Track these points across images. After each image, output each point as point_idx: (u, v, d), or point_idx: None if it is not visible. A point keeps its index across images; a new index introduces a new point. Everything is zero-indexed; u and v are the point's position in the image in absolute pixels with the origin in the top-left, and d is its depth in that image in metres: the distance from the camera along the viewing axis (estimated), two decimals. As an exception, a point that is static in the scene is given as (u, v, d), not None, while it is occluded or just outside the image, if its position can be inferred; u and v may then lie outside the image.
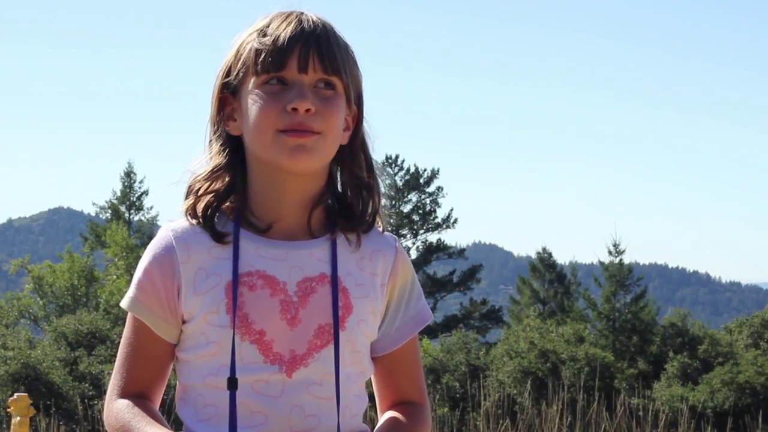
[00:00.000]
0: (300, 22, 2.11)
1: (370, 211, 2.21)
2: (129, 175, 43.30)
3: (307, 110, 2.07)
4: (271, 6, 2.18)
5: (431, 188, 43.22)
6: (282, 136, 2.08)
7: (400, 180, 43.08)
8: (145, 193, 43.37)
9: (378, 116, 2.25)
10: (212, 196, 2.15)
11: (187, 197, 2.17)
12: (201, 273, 2.11)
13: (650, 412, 11.58)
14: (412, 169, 43.22)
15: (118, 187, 43.59)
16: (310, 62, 2.09)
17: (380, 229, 2.24)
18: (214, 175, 2.16)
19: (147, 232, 41.59)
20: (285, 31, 2.10)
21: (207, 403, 2.12)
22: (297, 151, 2.08)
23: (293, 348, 2.10)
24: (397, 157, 43.10)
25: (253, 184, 2.15)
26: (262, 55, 2.09)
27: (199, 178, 2.17)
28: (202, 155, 2.20)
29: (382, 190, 2.25)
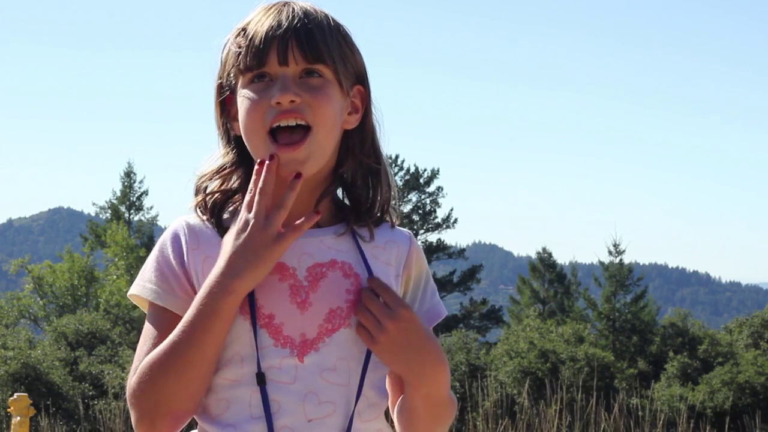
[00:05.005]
0: (279, 14, 2.10)
1: (378, 202, 2.18)
2: (129, 175, 43.27)
3: (292, 101, 2.05)
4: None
5: (431, 188, 43.22)
6: (272, 146, 2.06)
7: (400, 180, 43.04)
8: (145, 193, 43.34)
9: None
10: (220, 194, 2.14)
11: (195, 195, 2.16)
12: (209, 260, 2.09)
13: (648, 411, 11.59)
14: (412, 169, 43.22)
15: (118, 187, 43.64)
16: (289, 54, 2.06)
17: (391, 224, 2.21)
18: (221, 174, 2.16)
19: (147, 232, 41.57)
20: (262, 27, 2.08)
21: (219, 398, 2.09)
22: (289, 165, 2.06)
23: (304, 332, 2.07)
24: (397, 157, 43.10)
25: None
26: (242, 55, 2.09)
27: (206, 176, 2.17)
28: (209, 157, 2.19)
29: (392, 180, 2.21)
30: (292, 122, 2.06)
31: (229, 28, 2.16)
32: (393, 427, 2.20)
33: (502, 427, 10.48)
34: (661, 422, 10.82)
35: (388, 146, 2.21)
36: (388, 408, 2.22)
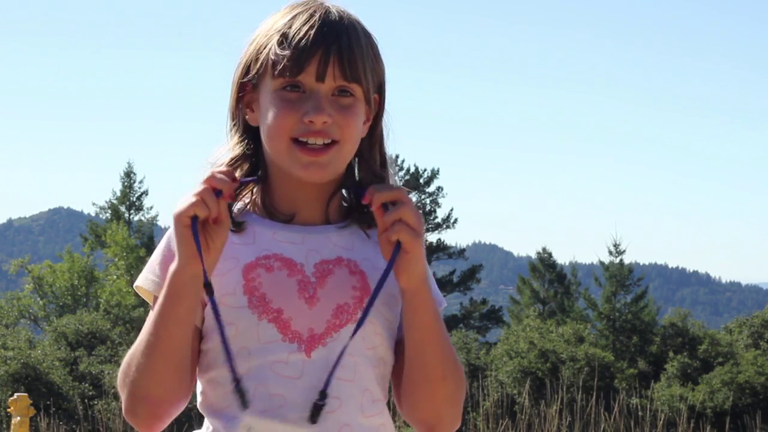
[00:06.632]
0: (323, 24, 2.07)
1: None
2: (129, 175, 43.23)
3: (324, 122, 2.05)
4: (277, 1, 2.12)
5: (431, 188, 43.20)
6: (296, 149, 2.06)
7: (400, 180, 42.93)
8: (145, 193, 43.30)
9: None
10: None
11: None
12: None
13: (648, 411, 11.59)
14: (412, 169, 43.22)
15: (118, 187, 43.55)
16: (328, 71, 2.05)
17: None
18: (233, 165, 2.15)
19: (147, 232, 41.54)
20: (307, 35, 2.06)
21: (226, 391, 2.09)
22: (310, 167, 2.07)
23: (312, 327, 2.08)
24: (397, 157, 43.10)
25: (270, 176, 2.15)
26: (279, 60, 2.07)
27: (220, 167, 2.14)
28: (222, 146, 2.19)
29: (396, 183, 2.23)
30: (320, 141, 2.06)
31: (231, 27, 2.14)
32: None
33: (503, 427, 10.48)
34: (661, 422, 10.82)
35: (393, 148, 2.23)
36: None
